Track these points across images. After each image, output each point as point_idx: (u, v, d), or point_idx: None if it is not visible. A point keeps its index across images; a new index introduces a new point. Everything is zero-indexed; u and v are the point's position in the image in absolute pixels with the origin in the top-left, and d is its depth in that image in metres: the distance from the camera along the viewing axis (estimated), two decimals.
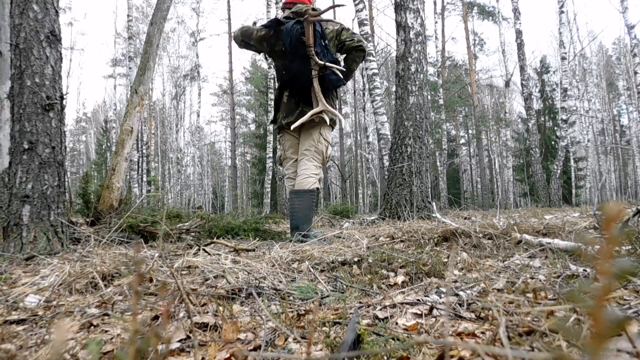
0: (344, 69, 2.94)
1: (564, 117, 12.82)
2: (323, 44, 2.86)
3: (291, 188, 3.07)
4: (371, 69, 7.94)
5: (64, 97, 2.53)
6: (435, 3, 18.26)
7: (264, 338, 0.87)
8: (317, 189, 3.00)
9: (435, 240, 2.30)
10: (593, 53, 25.07)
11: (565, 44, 13.03)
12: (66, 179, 2.52)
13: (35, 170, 2.28)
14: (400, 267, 1.60)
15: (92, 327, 1.00)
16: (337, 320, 0.98)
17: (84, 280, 1.39)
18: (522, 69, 13.59)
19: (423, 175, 4.88)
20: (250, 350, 0.85)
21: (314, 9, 3.08)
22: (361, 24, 8.05)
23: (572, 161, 16.42)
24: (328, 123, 2.97)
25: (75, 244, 2.50)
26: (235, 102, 22.84)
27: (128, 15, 13.48)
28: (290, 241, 2.76)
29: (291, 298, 1.25)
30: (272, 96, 11.25)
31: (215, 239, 2.55)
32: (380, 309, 1.07)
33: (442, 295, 1.17)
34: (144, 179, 17.72)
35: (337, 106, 3.12)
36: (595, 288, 0.30)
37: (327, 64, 2.83)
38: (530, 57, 26.55)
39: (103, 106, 28.94)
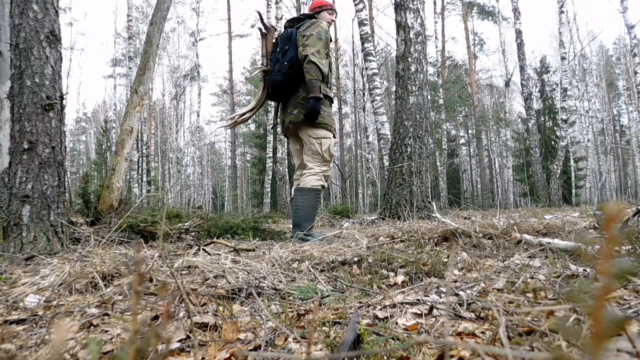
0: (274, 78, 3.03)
1: (564, 117, 12.81)
2: (285, 48, 3.00)
3: (296, 186, 3.13)
4: (371, 69, 7.94)
5: (64, 97, 2.53)
6: (435, 3, 18.27)
7: (264, 338, 0.87)
8: (323, 187, 3.01)
9: (435, 240, 2.30)
10: (593, 53, 25.07)
11: (565, 44, 13.02)
12: (66, 179, 2.52)
13: (35, 170, 2.28)
14: (400, 267, 1.60)
15: (92, 327, 1.00)
16: (337, 320, 0.98)
17: (84, 280, 1.39)
18: (522, 69, 13.59)
19: (423, 175, 4.88)
20: (250, 350, 0.85)
21: (319, 9, 3.14)
22: (361, 24, 8.05)
23: (572, 161, 16.42)
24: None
25: (75, 244, 2.50)
26: (235, 102, 22.83)
27: (128, 15, 13.48)
28: (291, 238, 2.77)
29: (291, 298, 1.25)
30: None
31: (215, 239, 2.55)
32: (380, 309, 1.07)
33: (442, 295, 1.17)
34: (144, 179, 17.70)
35: (309, 99, 2.94)
36: (595, 288, 0.30)
37: (256, 66, 2.94)
38: (530, 57, 26.46)
39: (103, 106, 28.94)
